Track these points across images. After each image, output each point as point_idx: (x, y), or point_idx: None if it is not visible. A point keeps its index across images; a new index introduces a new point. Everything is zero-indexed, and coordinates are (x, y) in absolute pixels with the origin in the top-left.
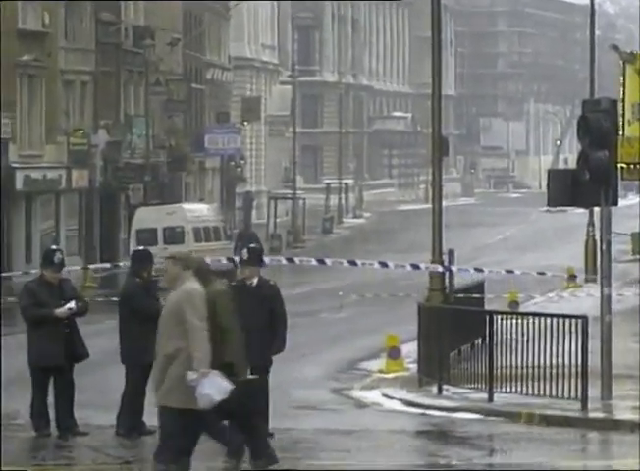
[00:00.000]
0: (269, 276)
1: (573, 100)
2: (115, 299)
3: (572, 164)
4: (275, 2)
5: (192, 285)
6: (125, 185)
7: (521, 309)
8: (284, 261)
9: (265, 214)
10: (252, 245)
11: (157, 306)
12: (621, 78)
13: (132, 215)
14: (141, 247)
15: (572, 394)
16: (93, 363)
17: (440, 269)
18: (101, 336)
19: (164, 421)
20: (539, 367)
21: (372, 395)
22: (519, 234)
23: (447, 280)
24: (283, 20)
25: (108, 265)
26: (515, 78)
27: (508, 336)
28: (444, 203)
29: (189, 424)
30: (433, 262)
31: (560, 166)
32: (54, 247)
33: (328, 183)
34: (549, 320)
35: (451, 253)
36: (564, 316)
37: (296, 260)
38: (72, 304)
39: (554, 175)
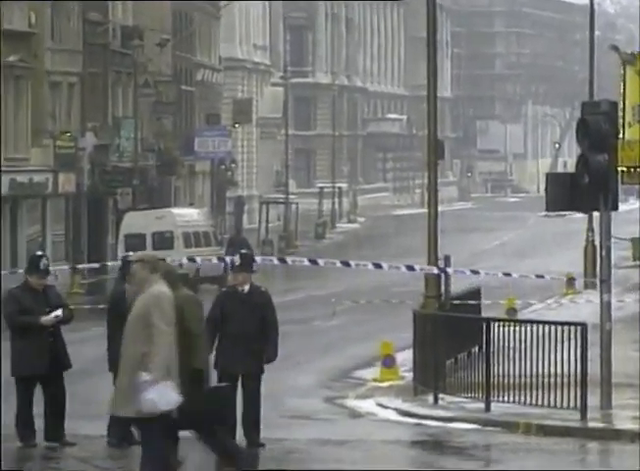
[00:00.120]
0: (261, 282)
1: (572, 102)
2: (102, 306)
3: (571, 167)
4: (267, 2)
5: (160, 288)
6: (113, 190)
7: (519, 316)
8: (275, 261)
9: (256, 219)
10: (243, 251)
11: None
12: (621, 80)
13: (120, 220)
14: (131, 253)
15: (571, 404)
16: (81, 371)
17: (435, 271)
18: (89, 343)
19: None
20: (537, 376)
21: (366, 405)
22: (517, 239)
23: (442, 286)
24: (275, 20)
25: (96, 265)
26: (513, 80)
27: (506, 343)
28: (440, 208)
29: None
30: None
31: (559, 169)
32: (39, 253)
33: (321, 188)
34: (547, 327)
35: (447, 259)
36: (563, 323)
37: (288, 260)
38: (58, 312)
39: (552, 178)
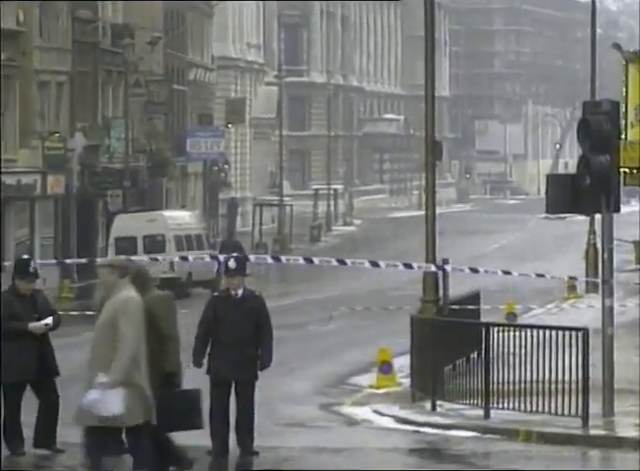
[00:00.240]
0: (254, 286)
1: (573, 102)
2: (91, 313)
3: (572, 169)
4: (261, 0)
5: (128, 293)
6: (103, 191)
7: (519, 321)
8: (269, 260)
9: (250, 221)
10: (236, 254)
11: None
12: (624, 79)
13: (110, 222)
14: (122, 257)
15: (573, 411)
16: (70, 378)
17: (433, 268)
18: (78, 349)
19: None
20: (538, 382)
21: (363, 412)
22: (517, 242)
23: (441, 290)
24: (269, 17)
25: (84, 260)
26: (513, 79)
27: (506, 349)
28: (438, 210)
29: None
30: (425, 272)
31: (560, 171)
32: (26, 257)
33: (316, 189)
34: (548, 332)
35: (445, 262)
36: (564, 328)
37: (283, 259)
38: (49, 321)
39: (553, 180)
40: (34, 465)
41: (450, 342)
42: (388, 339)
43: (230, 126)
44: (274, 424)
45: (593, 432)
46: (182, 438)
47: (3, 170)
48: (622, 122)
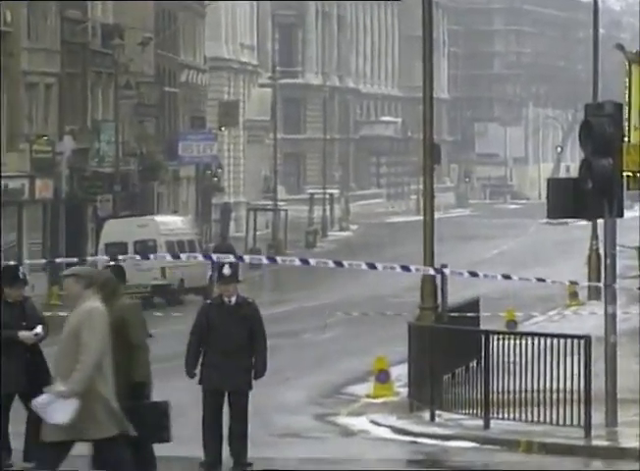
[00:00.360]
0: (249, 293)
1: (575, 104)
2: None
3: (574, 172)
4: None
5: (93, 304)
6: (92, 196)
7: (520, 329)
8: (265, 260)
9: (244, 227)
10: (229, 260)
11: None
12: (627, 80)
13: (100, 228)
14: (112, 262)
15: (575, 421)
16: None
17: (431, 271)
18: None
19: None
20: (539, 391)
21: (359, 422)
22: (517, 248)
23: (439, 297)
24: (263, 17)
25: (75, 260)
26: (513, 80)
27: (506, 357)
28: (436, 215)
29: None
30: (424, 278)
31: (562, 175)
32: (13, 263)
33: (311, 194)
34: (549, 340)
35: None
36: (566, 336)
37: (278, 260)
38: (39, 330)
39: (554, 184)
40: None
41: (448, 351)
42: (385, 347)
43: (223, 128)
44: (268, 435)
45: (595, 443)
46: (174, 449)
47: None
48: (625, 124)
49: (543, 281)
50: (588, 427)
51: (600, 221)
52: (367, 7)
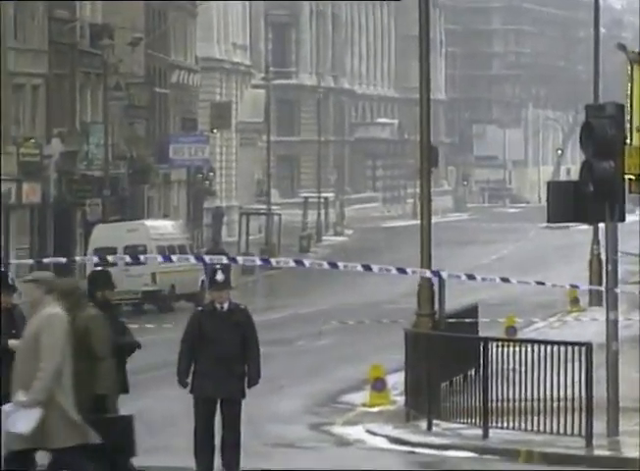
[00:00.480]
0: (241, 299)
1: (576, 105)
2: None
3: (575, 175)
4: None
5: (53, 310)
6: (81, 200)
7: (520, 335)
8: (258, 262)
9: (236, 231)
10: (222, 262)
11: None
12: (628, 81)
13: (89, 233)
14: (99, 268)
15: (575, 430)
16: None
17: (428, 274)
18: None
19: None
20: (539, 400)
21: (355, 432)
22: (517, 252)
23: (437, 303)
24: (255, 17)
25: (63, 260)
26: (512, 81)
27: (505, 365)
28: (433, 219)
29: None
30: (421, 283)
31: (562, 177)
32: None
33: (306, 198)
34: (549, 347)
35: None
36: (567, 343)
37: (273, 262)
38: None
39: (554, 187)
40: None
41: (446, 358)
42: (381, 354)
43: (215, 131)
44: (262, 444)
45: (597, 452)
46: (166, 460)
47: None
48: (627, 126)
49: (542, 284)
50: (589, 436)
51: (601, 225)
52: (362, 6)
